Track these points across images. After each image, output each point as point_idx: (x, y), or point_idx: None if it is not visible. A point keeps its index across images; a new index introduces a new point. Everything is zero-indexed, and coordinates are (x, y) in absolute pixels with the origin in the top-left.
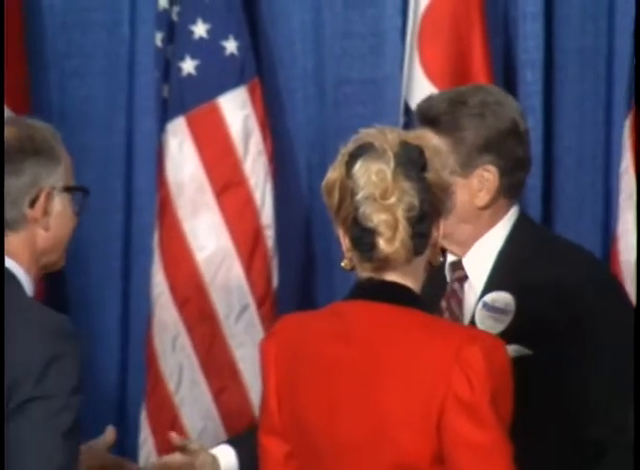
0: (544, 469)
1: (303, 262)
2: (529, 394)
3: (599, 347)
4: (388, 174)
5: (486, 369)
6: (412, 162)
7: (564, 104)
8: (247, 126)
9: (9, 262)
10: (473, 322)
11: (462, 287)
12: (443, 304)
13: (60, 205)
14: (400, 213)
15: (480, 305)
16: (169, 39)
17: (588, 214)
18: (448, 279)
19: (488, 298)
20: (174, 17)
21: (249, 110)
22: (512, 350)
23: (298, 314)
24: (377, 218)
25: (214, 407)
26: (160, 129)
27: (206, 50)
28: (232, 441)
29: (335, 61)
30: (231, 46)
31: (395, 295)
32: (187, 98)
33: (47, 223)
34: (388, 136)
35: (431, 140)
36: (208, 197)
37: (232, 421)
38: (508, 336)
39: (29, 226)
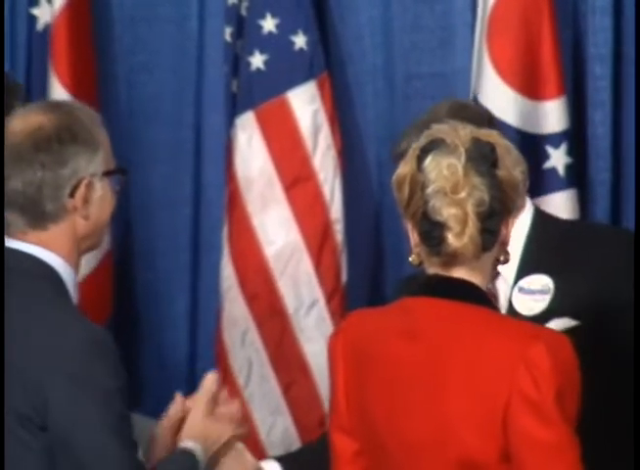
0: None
1: (373, 257)
2: (584, 364)
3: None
4: (460, 169)
5: (552, 367)
6: (484, 157)
7: (633, 98)
8: (316, 121)
9: (47, 255)
10: (511, 309)
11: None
12: None
13: (100, 190)
14: (470, 208)
15: (516, 290)
16: (238, 34)
17: None
18: None
19: (524, 282)
20: (243, 11)
21: (318, 104)
22: (560, 323)
23: (366, 310)
24: (446, 212)
25: (284, 402)
26: (229, 124)
27: (275, 45)
28: (281, 458)
29: (404, 55)
30: (300, 41)
31: (462, 292)
32: (256, 93)
33: (87, 212)
34: (460, 132)
35: (502, 138)
36: (277, 191)
37: (301, 416)
38: (552, 312)
39: (70, 216)
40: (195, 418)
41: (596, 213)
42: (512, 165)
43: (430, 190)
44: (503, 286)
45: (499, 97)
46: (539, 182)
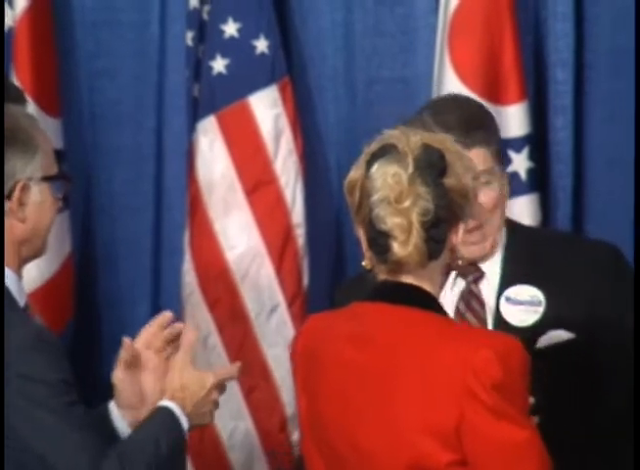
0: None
1: (334, 261)
2: (581, 375)
3: (626, 318)
4: (404, 178)
5: (501, 372)
6: (431, 166)
7: (594, 103)
8: (277, 125)
9: None
10: (499, 319)
11: (478, 286)
12: (462, 306)
13: (38, 195)
14: (415, 218)
15: (503, 300)
16: (200, 38)
17: (619, 213)
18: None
19: (511, 292)
20: (205, 16)
21: (279, 109)
22: (555, 336)
23: (323, 315)
24: (391, 221)
25: (245, 406)
26: (191, 128)
27: (237, 49)
28: None
29: (365, 59)
30: (261, 45)
31: (412, 297)
32: (218, 97)
33: (23, 215)
34: (410, 139)
35: (454, 144)
36: (239, 196)
37: (263, 420)
38: (546, 324)
39: (7, 218)
40: (173, 372)
41: (557, 218)
42: (462, 172)
43: (374, 198)
44: (490, 293)
45: None
46: None
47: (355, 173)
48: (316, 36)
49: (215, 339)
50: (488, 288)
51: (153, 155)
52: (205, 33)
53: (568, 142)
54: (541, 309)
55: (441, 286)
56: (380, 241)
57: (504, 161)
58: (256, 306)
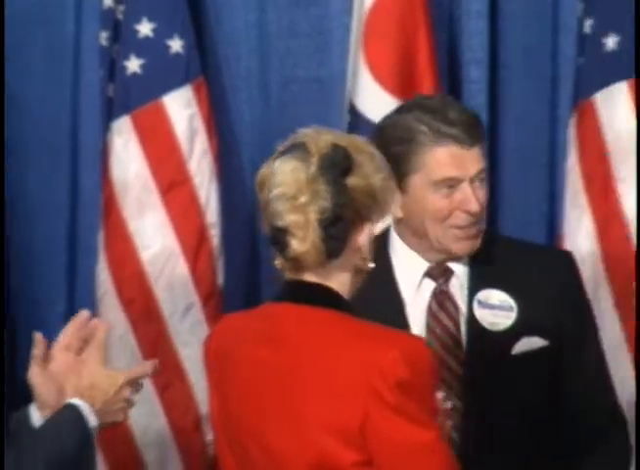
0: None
1: (248, 261)
2: (553, 383)
3: (593, 326)
4: (303, 175)
5: (407, 372)
6: (335, 165)
7: (508, 102)
8: (192, 125)
9: None
10: (472, 321)
11: (448, 285)
12: (434, 306)
13: None
14: (312, 215)
15: (476, 303)
16: (114, 38)
17: (533, 214)
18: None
19: (482, 295)
20: (119, 15)
21: (194, 109)
22: (529, 343)
23: (236, 314)
24: (288, 218)
25: (159, 405)
26: (105, 128)
27: (152, 49)
28: None
29: (280, 60)
30: (176, 45)
31: (318, 297)
32: (132, 97)
33: None
34: (320, 137)
35: (368, 145)
36: (154, 196)
37: (177, 419)
38: (520, 331)
39: None
40: (83, 370)
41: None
42: (372, 173)
43: (273, 194)
44: (459, 292)
45: (375, 101)
46: None
47: (265, 170)
48: (230, 37)
49: (130, 338)
50: (458, 288)
51: (67, 154)
52: (120, 33)
53: None
54: (513, 315)
55: (354, 286)
56: (278, 237)
57: None
58: (171, 306)
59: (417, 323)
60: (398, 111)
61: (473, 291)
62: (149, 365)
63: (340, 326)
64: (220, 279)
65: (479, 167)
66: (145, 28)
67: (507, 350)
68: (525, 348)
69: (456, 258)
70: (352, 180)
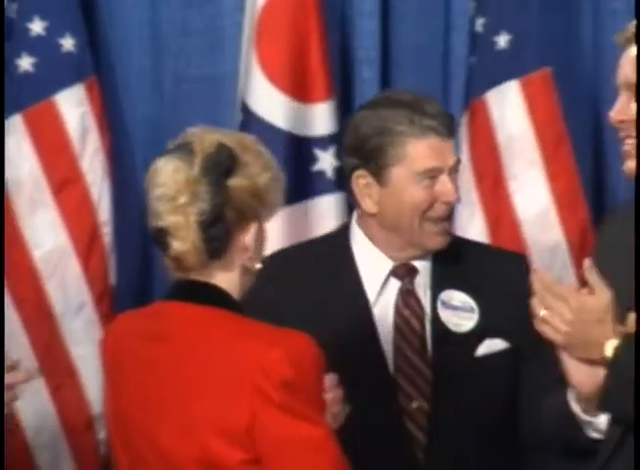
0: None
1: (141, 260)
2: (516, 385)
3: None
4: (183, 176)
5: (291, 371)
6: (218, 165)
7: None
8: (84, 124)
9: None
10: (437, 321)
11: (413, 284)
12: (400, 303)
13: None
14: (192, 216)
15: (440, 303)
16: (7, 36)
17: None
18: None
19: (445, 296)
20: (11, 14)
21: (86, 107)
22: (492, 345)
23: (129, 314)
24: (168, 219)
25: (51, 405)
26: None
27: (44, 47)
28: None
29: (173, 58)
30: (68, 43)
31: (205, 296)
32: (24, 96)
33: None
34: (207, 137)
35: (256, 144)
36: (45, 194)
37: (69, 419)
38: (482, 332)
39: None
40: None
41: None
42: (258, 172)
43: (155, 194)
44: (422, 291)
45: (268, 100)
46: (308, 185)
47: (151, 169)
48: (123, 35)
49: (21, 337)
50: (422, 288)
51: None
52: (12, 31)
53: None
54: (475, 317)
55: (244, 285)
56: (160, 238)
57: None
58: (63, 305)
59: (383, 322)
60: (368, 107)
61: (436, 291)
62: (21, 374)
63: (226, 325)
64: (113, 278)
65: (454, 159)
66: (37, 27)
67: (471, 351)
68: (488, 350)
69: (420, 257)
70: (235, 180)
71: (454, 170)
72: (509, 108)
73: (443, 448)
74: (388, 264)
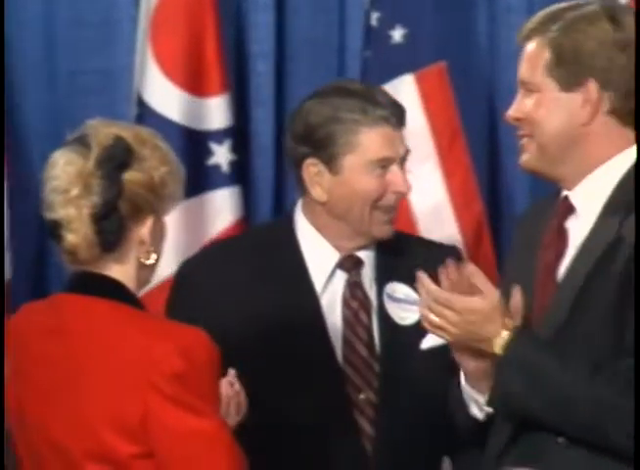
0: None
1: (36, 254)
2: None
3: None
4: (76, 168)
5: (182, 363)
6: (113, 158)
7: (295, 95)
8: None
9: None
10: (383, 315)
11: (359, 275)
12: (347, 295)
13: None
14: (84, 209)
15: (386, 296)
16: None
17: None
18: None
19: (389, 288)
20: None
21: None
22: (434, 338)
23: (28, 306)
24: (60, 211)
25: None
26: None
27: None
28: None
29: (67, 50)
30: None
31: (101, 288)
32: None
33: None
34: (104, 130)
35: (154, 138)
36: None
37: None
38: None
39: None
40: None
41: (259, 210)
42: (155, 166)
43: (49, 186)
44: (367, 281)
45: (163, 94)
46: (203, 179)
47: (49, 162)
48: (17, 27)
49: None
50: (368, 280)
51: None
52: None
53: (269, 134)
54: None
55: (143, 278)
56: (54, 230)
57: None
58: None
59: (331, 314)
60: (317, 96)
61: (381, 283)
62: None
63: (120, 318)
64: (9, 272)
65: (406, 148)
66: None
67: (416, 344)
68: (432, 343)
69: (365, 248)
70: (131, 174)
71: (404, 160)
72: (403, 102)
73: (390, 440)
74: (334, 256)
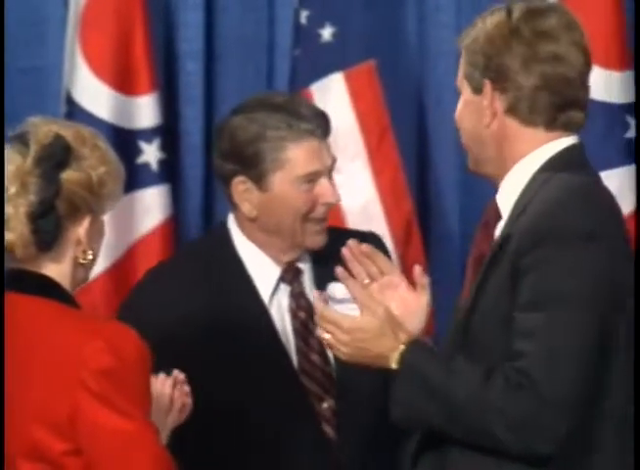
0: None
1: None
2: None
3: None
4: (13, 167)
5: (111, 361)
6: (52, 157)
7: (225, 94)
8: None
9: None
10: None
11: (301, 286)
12: (293, 305)
13: None
14: (21, 207)
15: (331, 302)
16: None
17: None
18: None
19: (329, 291)
20: None
21: None
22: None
23: None
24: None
25: None
26: None
27: None
28: None
29: None
30: None
31: (36, 286)
32: None
33: None
34: (43, 128)
35: (95, 137)
36: None
37: None
38: None
39: None
40: None
41: (188, 208)
42: (94, 165)
43: None
44: (309, 287)
45: (92, 92)
46: (132, 177)
47: None
48: None
49: None
50: (308, 286)
51: None
52: None
53: (198, 133)
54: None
55: (78, 277)
56: None
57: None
58: None
59: (281, 326)
60: (242, 112)
61: (321, 288)
62: None
63: (53, 316)
64: None
65: (333, 158)
66: None
67: None
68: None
69: (301, 257)
70: (68, 173)
71: (331, 170)
72: (333, 100)
73: (356, 444)
74: (276, 270)
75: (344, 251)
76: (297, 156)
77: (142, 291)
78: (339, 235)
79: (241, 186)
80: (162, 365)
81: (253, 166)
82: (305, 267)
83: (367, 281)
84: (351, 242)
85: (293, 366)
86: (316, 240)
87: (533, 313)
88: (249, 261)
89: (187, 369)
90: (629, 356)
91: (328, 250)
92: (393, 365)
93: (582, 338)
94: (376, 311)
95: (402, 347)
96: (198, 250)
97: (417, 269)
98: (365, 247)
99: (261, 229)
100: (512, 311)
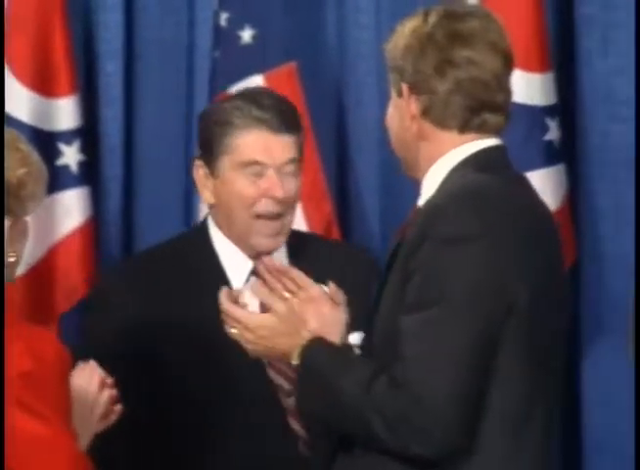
0: None
1: None
2: None
3: None
4: None
5: (29, 364)
6: None
7: (145, 95)
8: None
9: None
10: None
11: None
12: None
13: None
14: None
15: None
16: None
17: (171, 210)
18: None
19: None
20: None
21: None
22: (352, 339)
23: None
24: None
25: None
26: None
27: None
28: None
29: None
30: None
31: None
32: None
33: None
34: None
35: (17, 140)
36: None
37: None
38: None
39: None
40: None
41: (108, 210)
42: (12, 167)
43: None
44: None
45: (11, 94)
46: (52, 179)
47: None
48: None
49: None
50: None
51: None
52: None
53: (118, 134)
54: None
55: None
56: None
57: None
58: None
59: None
60: (222, 101)
61: None
62: None
63: None
64: None
65: (288, 156)
66: None
67: None
68: (358, 339)
69: (275, 252)
70: None
71: (288, 168)
72: None
73: (323, 439)
74: (247, 263)
75: (259, 266)
76: (245, 142)
77: (114, 286)
78: (326, 246)
79: (201, 171)
80: (136, 356)
81: (207, 151)
82: (281, 262)
83: (288, 296)
84: (266, 258)
85: (262, 362)
86: (263, 242)
87: (414, 315)
88: (222, 254)
89: (156, 361)
90: (529, 355)
91: (309, 253)
92: (294, 361)
93: (462, 338)
94: (277, 310)
95: (304, 343)
96: (178, 240)
97: (332, 286)
98: (279, 264)
99: (222, 219)
100: (397, 315)
